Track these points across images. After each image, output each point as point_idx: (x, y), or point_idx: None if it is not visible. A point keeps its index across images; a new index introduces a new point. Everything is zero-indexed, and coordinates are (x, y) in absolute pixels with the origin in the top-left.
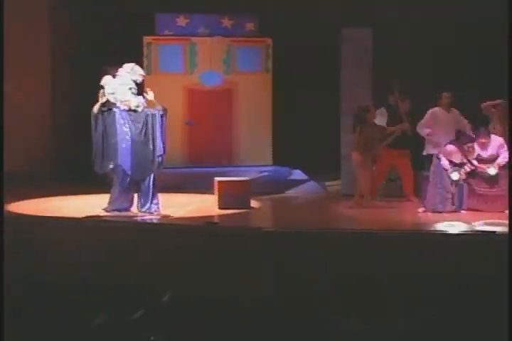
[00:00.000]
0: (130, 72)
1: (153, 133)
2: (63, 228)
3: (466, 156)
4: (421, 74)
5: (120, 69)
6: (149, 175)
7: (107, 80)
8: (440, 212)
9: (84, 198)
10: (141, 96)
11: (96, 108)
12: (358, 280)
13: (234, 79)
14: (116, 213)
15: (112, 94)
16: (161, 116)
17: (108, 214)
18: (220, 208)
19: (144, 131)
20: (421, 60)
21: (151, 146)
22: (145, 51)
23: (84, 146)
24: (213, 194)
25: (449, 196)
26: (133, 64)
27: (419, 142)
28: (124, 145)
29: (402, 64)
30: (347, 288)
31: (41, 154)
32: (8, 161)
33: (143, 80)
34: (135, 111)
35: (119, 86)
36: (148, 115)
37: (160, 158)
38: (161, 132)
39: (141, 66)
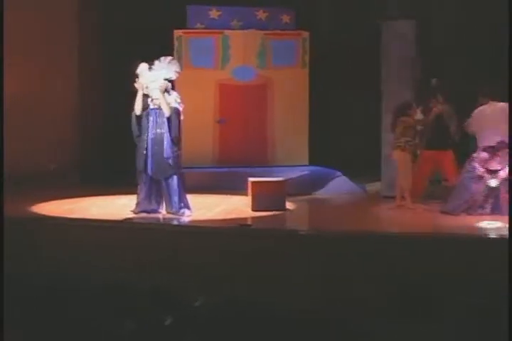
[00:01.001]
0: (166, 68)
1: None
2: (90, 230)
3: (500, 163)
4: (465, 72)
5: (156, 63)
6: (171, 175)
7: (142, 70)
8: (456, 215)
9: (112, 199)
10: (174, 94)
11: (138, 109)
12: (396, 283)
13: (268, 74)
14: (144, 215)
15: (146, 88)
16: (168, 118)
17: (136, 216)
18: (253, 210)
19: (165, 130)
20: (466, 56)
21: (168, 150)
22: (175, 45)
23: (111, 146)
24: (247, 195)
25: (478, 201)
26: (170, 58)
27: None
28: (146, 145)
29: (446, 60)
30: (385, 290)
31: (67, 154)
32: (33, 161)
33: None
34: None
35: (151, 82)
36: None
37: (170, 161)
38: (169, 134)
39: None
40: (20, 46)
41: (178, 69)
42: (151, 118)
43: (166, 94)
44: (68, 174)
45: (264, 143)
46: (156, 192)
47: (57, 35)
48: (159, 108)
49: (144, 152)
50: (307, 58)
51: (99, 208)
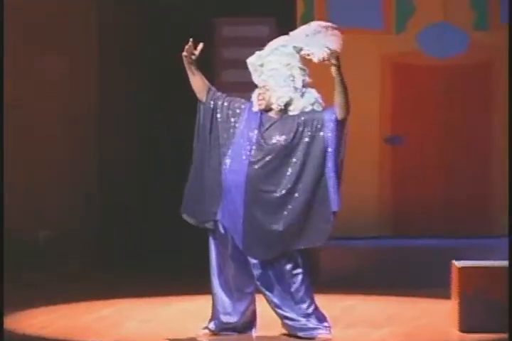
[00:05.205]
0: (310, 37)
1: (314, 162)
2: None
3: None
4: None
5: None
6: (287, 255)
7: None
8: None
9: (162, 304)
10: (312, 92)
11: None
12: None
13: (494, 42)
14: (233, 337)
15: (260, 66)
16: (337, 123)
17: (215, 338)
18: (462, 330)
19: (285, 156)
20: None
21: (297, 193)
22: None
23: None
24: (448, 297)
25: None
26: (330, 24)
27: None
28: (232, 184)
29: None
30: None
31: (77, 218)
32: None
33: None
34: (284, 112)
35: (267, 57)
36: (305, 123)
37: (328, 219)
38: (335, 161)
39: (293, 17)
40: None
41: (333, 46)
42: (242, 131)
43: (296, 91)
44: (79, 254)
45: (486, 187)
46: (252, 288)
47: None
48: (268, 110)
49: (217, 199)
50: None
51: (139, 323)
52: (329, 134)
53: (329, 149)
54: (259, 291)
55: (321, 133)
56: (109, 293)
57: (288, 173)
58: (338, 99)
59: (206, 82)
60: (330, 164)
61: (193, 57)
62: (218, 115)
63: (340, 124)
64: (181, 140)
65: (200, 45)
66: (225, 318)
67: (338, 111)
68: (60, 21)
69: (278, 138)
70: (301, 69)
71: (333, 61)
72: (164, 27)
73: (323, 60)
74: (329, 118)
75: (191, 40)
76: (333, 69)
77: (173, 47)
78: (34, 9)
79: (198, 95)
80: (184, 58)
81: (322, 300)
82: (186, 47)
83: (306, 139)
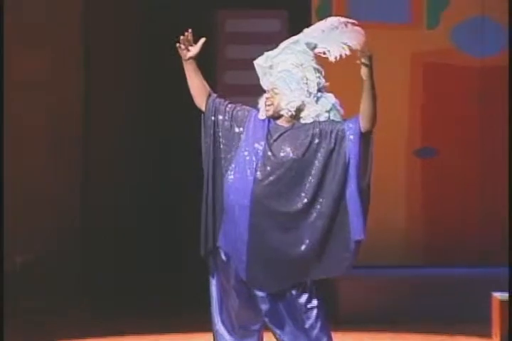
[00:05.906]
0: (326, 33)
1: (332, 182)
2: None
3: None
4: None
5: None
6: (301, 285)
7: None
8: None
9: None
10: (329, 96)
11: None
12: None
13: None
14: None
15: (269, 68)
16: (361, 135)
17: None
18: None
19: (297, 172)
20: None
21: (312, 215)
22: None
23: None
24: (489, 335)
25: None
26: (344, 20)
27: None
28: (235, 205)
29: None
30: None
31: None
32: None
33: None
34: (296, 120)
35: (275, 58)
36: (321, 134)
37: (353, 248)
38: (358, 181)
39: (308, 10)
40: None
41: (353, 43)
42: (247, 142)
43: (310, 95)
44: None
45: None
46: (258, 325)
47: None
48: (277, 118)
49: (218, 223)
50: None
51: None
52: (351, 149)
53: (351, 166)
54: (267, 328)
55: (341, 148)
56: (95, 330)
57: (301, 194)
58: (364, 105)
59: (206, 85)
60: (352, 184)
61: (191, 49)
62: (219, 124)
63: (365, 137)
64: (179, 140)
65: (201, 41)
66: None
67: (362, 122)
68: (45, 20)
69: (288, 151)
70: (315, 70)
71: (364, 60)
72: (159, 20)
73: (359, 58)
74: (352, 129)
75: (190, 30)
76: (364, 70)
77: (167, 43)
78: (20, 9)
79: (196, 100)
80: (180, 52)
81: (341, 339)
82: (182, 37)
83: (323, 154)
